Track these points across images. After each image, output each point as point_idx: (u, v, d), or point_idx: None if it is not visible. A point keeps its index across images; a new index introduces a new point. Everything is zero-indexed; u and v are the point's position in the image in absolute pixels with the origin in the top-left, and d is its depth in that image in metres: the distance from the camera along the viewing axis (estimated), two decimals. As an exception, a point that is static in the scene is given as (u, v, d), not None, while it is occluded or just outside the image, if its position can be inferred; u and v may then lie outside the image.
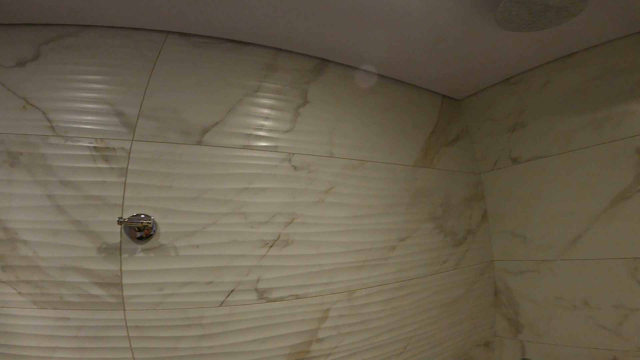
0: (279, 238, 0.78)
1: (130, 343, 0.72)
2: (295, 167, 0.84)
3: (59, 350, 0.69)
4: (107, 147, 0.68)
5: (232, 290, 0.74)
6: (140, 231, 0.67)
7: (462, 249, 1.12)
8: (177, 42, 0.80)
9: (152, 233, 0.69)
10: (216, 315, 0.74)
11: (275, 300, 0.78)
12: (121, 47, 0.75)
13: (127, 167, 0.68)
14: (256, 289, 0.76)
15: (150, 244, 0.69)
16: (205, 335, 0.75)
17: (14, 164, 0.64)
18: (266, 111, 0.85)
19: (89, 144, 0.67)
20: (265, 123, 0.84)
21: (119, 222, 0.62)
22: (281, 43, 0.88)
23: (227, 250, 0.74)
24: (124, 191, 0.68)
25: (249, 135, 0.81)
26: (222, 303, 0.74)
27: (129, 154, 0.69)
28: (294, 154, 0.85)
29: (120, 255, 0.68)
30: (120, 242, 0.68)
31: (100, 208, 0.66)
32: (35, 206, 0.64)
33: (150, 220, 0.67)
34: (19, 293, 0.65)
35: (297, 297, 0.80)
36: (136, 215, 0.66)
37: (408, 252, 0.99)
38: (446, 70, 1.08)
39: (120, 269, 0.68)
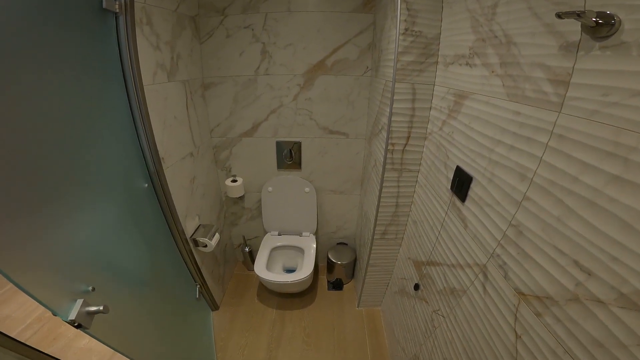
0: None
1: (543, 152, 0.75)
2: None
3: (500, 145, 0.91)
4: None
5: None
6: (597, 26, 0.60)
7: None
8: None
9: (614, 30, 0.58)
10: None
11: None
12: None
13: None
14: None
15: (610, 41, 0.60)
16: (620, 178, 0.58)
17: None
18: None
19: None
20: None
21: (558, 16, 0.60)
22: None
23: None
24: None
25: None
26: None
27: None
28: None
29: (577, 53, 0.67)
30: (580, 40, 0.66)
31: (565, 10, 0.66)
32: (521, 17, 0.80)
33: (591, 11, 0.57)
34: (503, 85, 0.90)
35: None
36: (582, 10, 0.59)
37: None
38: None
39: (573, 66, 0.68)
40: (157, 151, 1.30)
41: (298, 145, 2.09)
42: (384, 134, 1.52)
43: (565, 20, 0.64)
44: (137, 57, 1.14)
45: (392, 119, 1.42)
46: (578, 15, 0.59)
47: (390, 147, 1.49)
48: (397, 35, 1.26)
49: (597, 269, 0.60)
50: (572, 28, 0.67)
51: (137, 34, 1.15)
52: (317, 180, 2.22)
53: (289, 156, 2.12)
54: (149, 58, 1.26)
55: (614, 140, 0.60)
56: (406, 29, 1.25)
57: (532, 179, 0.80)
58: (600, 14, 0.58)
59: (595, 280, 0.61)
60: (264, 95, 1.95)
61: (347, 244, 2.44)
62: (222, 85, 1.92)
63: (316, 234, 2.38)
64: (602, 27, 0.60)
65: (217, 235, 1.86)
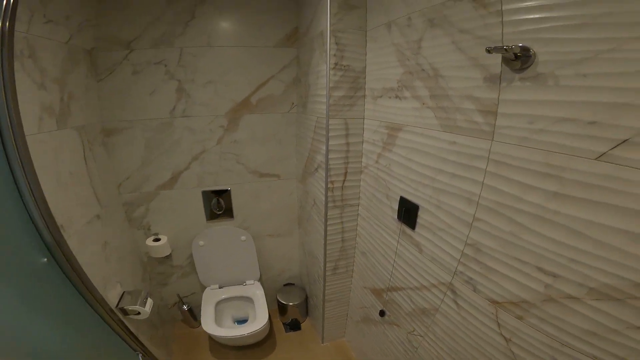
0: None
1: (484, 177, 0.81)
2: None
3: (441, 173, 0.95)
4: None
5: (623, 141, 0.54)
6: (516, 59, 0.67)
7: None
8: None
9: (530, 63, 0.66)
10: (585, 172, 0.60)
11: None
12: None
13: (501, 9, 0.70)
14: (674, 148, 0.48)
15: (527, 73, 0.67)
16: (559, 194, 0.65)
17: (432, 25, 0.91)
18: None
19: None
20: None
21: (487, 51, 0.67)
22: None
23: (633, 83, 0.52)
24: (502, 29, 0.71)
25: None
26: (600, 156, 0.57)
27: None
28: None
29: (500, 84, 0.74)
30: (501, 72, 0.73)
31: (485, 45, 0.74)
32: (446, 51, 0.88)
33: (514, 45, 0.65)
34: (435, 117, 0.96)
35: None
36: (509, 45, 0.67)
37: None
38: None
39: (498, 97, 0.74)
40: (52, 218, 1.01)
41: (227, 193, 1.94)
42: (322, 172, 1.49)
43: (487, 54, 0.72)
44: (15, 98, 0.88)
45: (330, 156, 1.41)
46: (505, 50, 0.65)
47: (330, 185, 1.47)
48: (328, 70, 1.28)
49: (560, 271, 0.66)
50: (494, 61, 0.74)
51: (17, 69, 0.90)
52: (253, 226, 2.07)
53: (219, 206, 1.95)
54: (32, 99, 0.99)
55: (546, 162, 0.67)
56: (336, 64, 1.29)
57: (478, 201, 0.83)
58: (521, 48, 0.65)
59: (562, 280, 0.66)
60: (183, 140, 1.73)
61: (294, 284, 2.37)
62: (130, 130, 1.63)
63: (260, 279, 2.20)
64: (518, 60, 0.68)
65: (150, 300, 1.57)
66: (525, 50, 0.65)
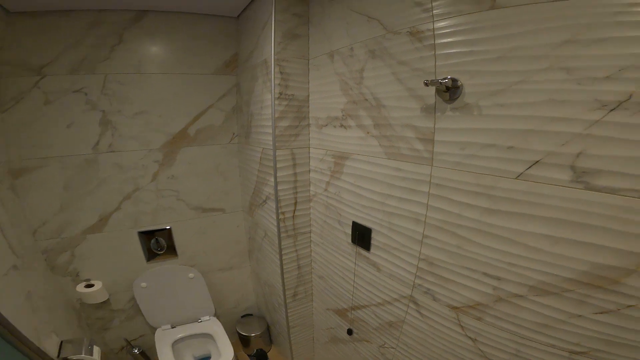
0: (630, 98, 0.53)
1: (428, 199, 0.89)
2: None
3: (390, 198, 1.02)
4: (419, 31, 0.84)
5: (536, 162, 0.65)
6: (447, 91, 0.78)
7: None
8: None
9: (458, 94, 0.77)
10: (509, 190, 0.71)
11: (600, 189, 0.58)
12: None
13: (434, 43, 0.81)
14: (572, 167, 0.60)
15: (457, 103, 0.78)
16: (490, 209, 0.75)
17: (373, 56, 1.00)
18: None
19: (407, 32, 0.88)
20: None
21: (425, 84, 0.76)
22: None
23: (540, 111, 0.64)
24: (435, 61, 0.81)
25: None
26: (519, 175, 0.68)
27: (434, 32, 0.80)
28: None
29: (435, 114, 0.84)
30: (435, 102, 0.83)
31: (422, 77, 0.85)
32: (387, 81, 0.97)
33: (446, 78, 0.75)
34: (380, 145, 1.03)
35: (649, 195, 0.53)
36: (443, 78, 0.77)
37: None
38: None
39: (434, 126, 0.84)
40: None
41: (167, 232, 1.77)
42: (271, 204, 1.47)
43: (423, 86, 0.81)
44: None
45: (279, 187, 1.41)
46: (440, 82, 0.74)
47: (281, 216, 1.45)
48: (273, 100, 1.29)
49: (502, 274, 0.75)
50: (429, 92, 0.85)
51: None
52: (200, 262, 1.91)
53: (159, 245, 1.76)
54: None
55: (477, 183, 0.77)
56: (280, 93, 1.31)
57: (425, 221, 0.91)
58: (452, 80, 0.75)
59: (506, 282, 0.75)
60: (111, 178, 1.56)
61: (252, 314, 2.27)
62: (44, 169, 1.42)
63: (216, 314, 2.03)
64: (448, 92, 0.78)
65: (97, 348, 1.34)
66: (454, 81, 0.75)
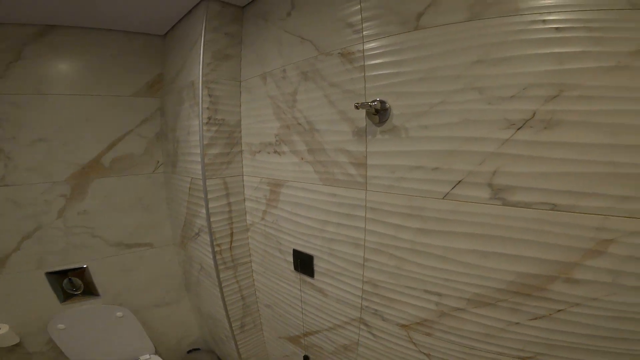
0: (533, 117, 0.59)
1: (365, 224, 0.89)
2: (557, 29, 0.58)
3: (328, 224, 0.99)
4: (349, 52, 0.86)
5: (459, 182, 0.68)
6: (376, 114, 0.79)
7: None
8: None
9: (387, 116, 0.79)
10: (437, 210, 0.73)
11: (516, 204, 0.62)
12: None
13: (364, 64, 0.83)
14: (490, 185, 0.64)
15: (386, 126, 0.80)
16: (423, 229, 0.76)
17: (306, 78, 1.00)
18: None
19: (338, 53, 0.89)
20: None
21: (356, 107, 0.76)
22: None
23: (458, 132, 0.68)
24: (365, 83, 0.83)
25: (473, 5, 0.65)
26: (445, 195, 0.71)
27: (364, 53, 0.83)
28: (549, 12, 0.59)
29: (366, 137, 0.85)
30: (366, 125, 0.84)
31: (352, 99, 0.86)
32: (319, 104, 0.96)
33: (376, 101, 0.76)
34: (315, 171, 1.01)
35: (555, 207, 0.58)
36: (372, 100, 0.78)
37: None
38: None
39: (366, 150, 0.85)
40: None
41: (83, 271, 1.51)
42: (205, 236, 1.34)
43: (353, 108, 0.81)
44: None
45: (212, 219, 1.29)
46: (370, 105, 0.75)
47: (217, 248, 1.32)
48: (201, 126, 1.20)
49: (441, 290, 0.76)
50: (359, 115, 0.85)
51: None
52: (130, 300, 1.65)
53: (73, 285, 1.50)
54: None
55: (409, 205, 0.78)
56: (209, 118, 1.23)
57: (364, 245, 0.89)
58: (380, 103, 0.76)
59: (446, 297, 0.76)
60: (5, 215, 1.31)
61: (199, 349, 2.05)
62: None
63: (157, 352, 1.73)
64: (377, 115, 0.79)
65: None
66: (383, 103, 0.77)
